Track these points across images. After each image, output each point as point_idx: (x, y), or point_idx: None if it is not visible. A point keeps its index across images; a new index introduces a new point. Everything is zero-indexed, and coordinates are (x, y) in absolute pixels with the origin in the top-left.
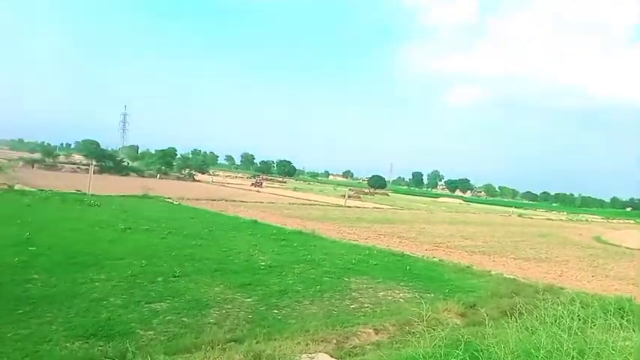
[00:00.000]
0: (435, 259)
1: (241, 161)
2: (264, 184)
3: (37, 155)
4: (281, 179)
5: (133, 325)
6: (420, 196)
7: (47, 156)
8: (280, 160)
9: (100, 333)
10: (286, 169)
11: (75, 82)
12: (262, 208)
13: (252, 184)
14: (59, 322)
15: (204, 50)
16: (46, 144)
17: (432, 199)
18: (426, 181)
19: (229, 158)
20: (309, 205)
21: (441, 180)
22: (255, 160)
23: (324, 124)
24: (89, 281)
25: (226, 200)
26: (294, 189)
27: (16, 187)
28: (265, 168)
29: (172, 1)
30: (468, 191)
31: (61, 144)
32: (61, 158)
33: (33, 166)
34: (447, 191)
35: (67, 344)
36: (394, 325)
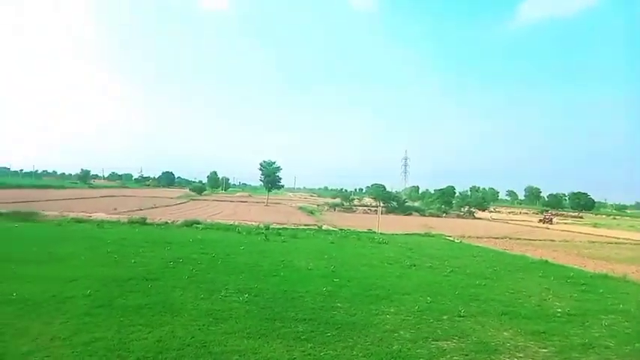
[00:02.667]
0: None
1: (525, 196)
2: (554, 219)
3: (338, 200)
4: (575, 214)
5: None
6: None
7: (345, 200)
8: (573, 193)
9: None
10: (582, 202)
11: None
12: (554, 247)
13: (541, 220)
14: (359, 347)
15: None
16: (344, 190)
17: None
18: None
19: (511, 193)
20: (616, 243)
21: None
22: (541, 194)
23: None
24: (382, 313)
25: (510, 238)
26: (594, 225)
27: (323, 227)
28: (555, 202)
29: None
30: None
31: (355, 189)
32: (356, 202)
33: (335, 209)
34: None
35: None
36: None
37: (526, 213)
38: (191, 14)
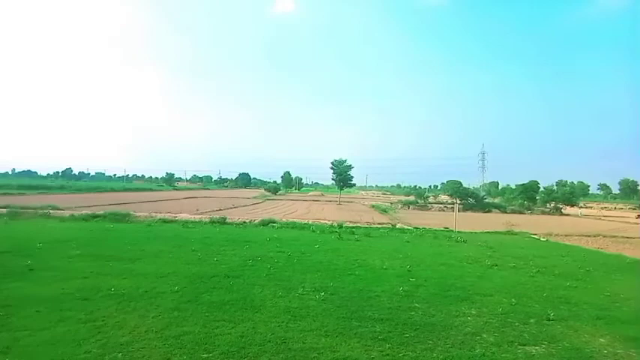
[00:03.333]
0: None
1: (620, 190)
2: None
3: (412, 198)
4: None
5: None
6: None
7: (419, 198)
8: None
9: None
10: None
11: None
12: None
13: (639, 215)
14: (439, 350)
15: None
16: (417, 187)
17: None
18: None
19: (604, 187)
20: None
21: None
22: (639, 188)
23: None
24: (462, 315)
25: (604, 236)
26: None
27: (397, 226)
28: None
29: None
30: None
31: (430, 186)
32: (430, 199)
33: (409, 207)
34: None
35: None
36: None
37: (621, 208)
38: (261, 17)
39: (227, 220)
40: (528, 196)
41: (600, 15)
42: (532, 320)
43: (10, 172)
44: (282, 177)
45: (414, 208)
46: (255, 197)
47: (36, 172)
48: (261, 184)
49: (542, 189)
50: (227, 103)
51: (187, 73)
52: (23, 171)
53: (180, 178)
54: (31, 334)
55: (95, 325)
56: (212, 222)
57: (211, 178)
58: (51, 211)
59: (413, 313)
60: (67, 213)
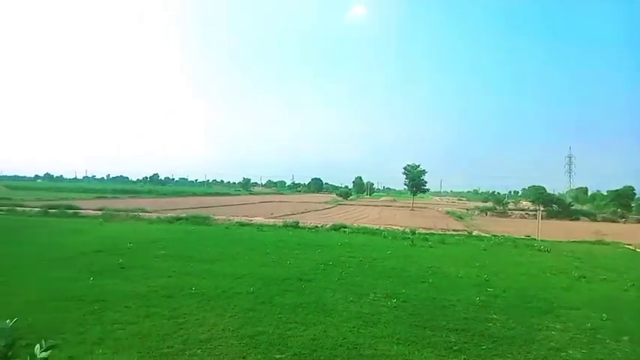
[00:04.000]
0: None
1: None
2: None
3: (490, 204)
4: None
5: None
6: None
7: (498, 204)
8: None
9: None
10: None
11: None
12: None
13: None
14: None
15: None
16: (496, 193)
17: None
18: None
19: None
20: None
21: None
22: None
23: None
24: (545, 328)
25: None
26: None
27: (474, 233)
28: None
29: None
30: None
31: (509, 192)
32: (510, 205)
33: (486, 214)
34: None
35: None
36: None
37: None
38: (339, 19)
39: (299, 224)
40: (622, 203)
41: None
42: (625, 338)
43: (105, 178)
44: (353, 182)
45: (492, 215)
46: (326, 202)
47: (127, 178)
48: (332, 189)
49: (638, 196)
50: (302, 109)
51: (266, 82)
52: (117, 177)
53: (256, 183)
54: (121, 327)
55: (177, 322)
56: (285, 226)
57: (285, 183)
58: (140, 214)
59: (490, 324)
60: (154, 215)
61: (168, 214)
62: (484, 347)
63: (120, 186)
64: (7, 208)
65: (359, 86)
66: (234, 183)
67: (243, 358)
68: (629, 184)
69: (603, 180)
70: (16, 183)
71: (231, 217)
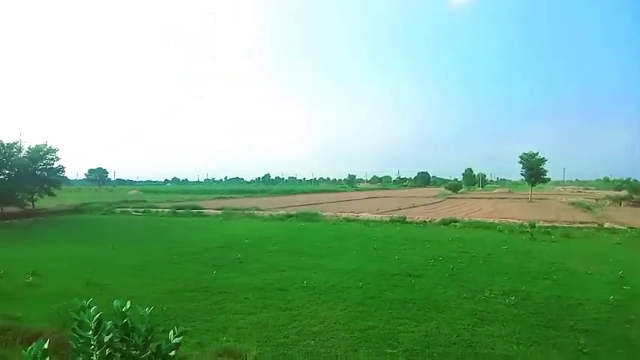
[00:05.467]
0: None
1: None
2: None
3: (624, 192)
4: None
5: None
6: None
7: (635, 192)
8: None
9: None
10: None
11: None
12: None
13: None
14: None
15: None
16: (632, 180)
17: None
18: None
19: None
20: None
21: None
22: None
23: None
24: None
25: None
26: None
27: (605, 225)
28: None
29: None
30: None
31: None
32: None
33: (620, 204)
34: None
35: None
36: None
37: None
38: (440, 9)
39: (407, 220)
40: None
41: None
42: None
43: (223, 180)
44: (463, 174)
45: (627, 205)
46: (435, 196)
47: (242, 179)
48: (440, 182)
49: None
50: (406, 102)
51: (369, 74)
52: (233, 178)
53: (361, 179)
54: (242, 317)
55: (292, 314)
56: (392, 221)
57: (390, 178)
58: (254, 212)
59: (628, 326)
60: (266, 213)
61: (280, 212)
62: (620, 352)
63: (236, 186)
64: (143, 209)
65: (467, 74)
66: (340, 180)
67: (355, 351)
68: None
69: None
70: (149, 187)
71: (339, 214)
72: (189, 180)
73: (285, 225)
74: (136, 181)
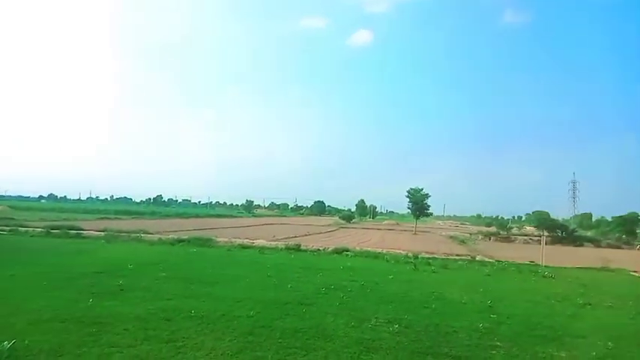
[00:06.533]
0: None
1: None
2: None
3: (493, 229)
4: None
5: None
6: None
7: (501, 229)
8: None
9: None
10: None
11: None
12: None
13: None
14: None
15: None
16: (499, 217)
17: None
18: None
19: None
20: None
21: None
22: None
23: None
24: (550, 357)
25: None
26: None
27: (477, 258)
28: None
29: None
30: None
31: (513, 216)
32: (514, 230)
33: (490, 239)
34: None
35: None
36: None
37: None
38: (336, 49)
39: (302, 247)
40: (627, 229)
41: None
42: None
43: (109, 199)
44: (356, 205)
45: (495, 240)
46: (329, 225)
47: (131, 199)
48: (335, 211)
49: None
50: (303, 133)
51: (270, 104)
52: (120, 197)
53: (258, 205)
54: (119, 350)
55: (176, 346)
56: (287, 248)
57: (288, 205)
58: (142, 235)
59: (494, 352)
60: (156, 237)
61: (170, 236)
62: None
63: (123, 207)
64: (9, 228)
65: (361, 108)
66: (237, 205)
67: None
68: (633, 211)
69: (607, 206)
70: (20, 203)
71: (233, 240)
72: (68, 197)
73: (175, 250)
74: (3, 196)
